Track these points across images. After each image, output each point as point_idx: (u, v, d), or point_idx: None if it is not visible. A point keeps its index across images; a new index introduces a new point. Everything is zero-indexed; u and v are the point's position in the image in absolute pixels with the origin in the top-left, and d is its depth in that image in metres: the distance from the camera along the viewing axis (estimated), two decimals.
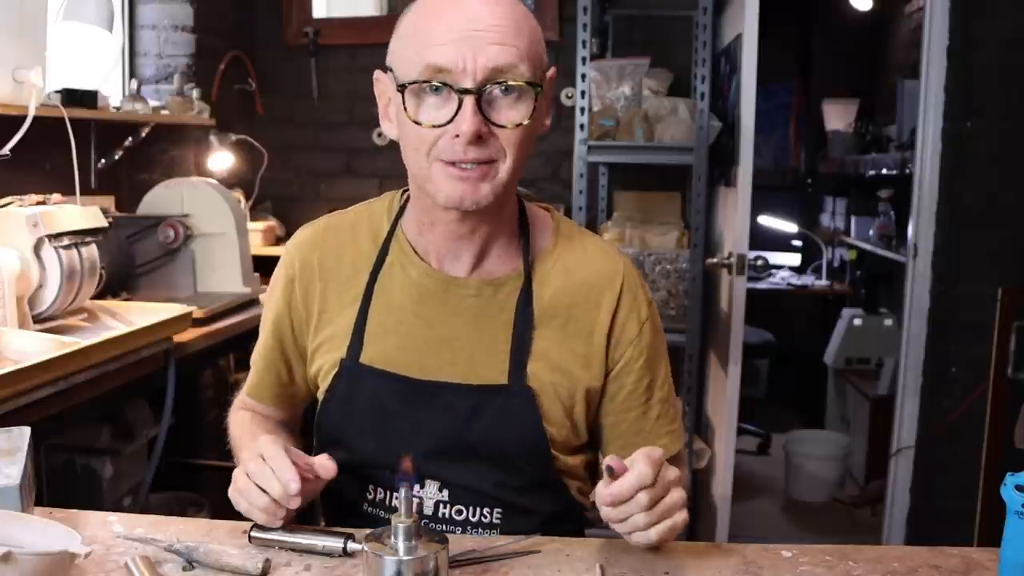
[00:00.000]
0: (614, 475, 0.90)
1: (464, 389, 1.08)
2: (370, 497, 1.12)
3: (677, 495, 0.93)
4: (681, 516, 0.93)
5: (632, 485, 0.89)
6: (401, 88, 0.99)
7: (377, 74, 1.08)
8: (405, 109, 0.99)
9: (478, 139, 0.97)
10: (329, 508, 1.20)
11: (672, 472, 0.93)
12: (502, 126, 0.98)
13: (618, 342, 1.12)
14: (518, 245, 1.12)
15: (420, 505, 1.09)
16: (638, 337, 1.13)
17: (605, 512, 0.91)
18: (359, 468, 1.11)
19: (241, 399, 1.26)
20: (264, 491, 0.94)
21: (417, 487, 1.08)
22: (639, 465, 0.90)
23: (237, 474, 0.98)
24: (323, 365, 1.13)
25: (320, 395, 1.15)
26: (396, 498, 1.07)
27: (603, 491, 0.90)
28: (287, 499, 0.93)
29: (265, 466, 0.95)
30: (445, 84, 0.96)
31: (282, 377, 1.20)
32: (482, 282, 1.10)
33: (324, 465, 0.99)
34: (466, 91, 0.95)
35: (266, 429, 1.20)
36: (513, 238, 1.13)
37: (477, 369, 1.08)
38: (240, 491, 0.97)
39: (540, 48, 1.01)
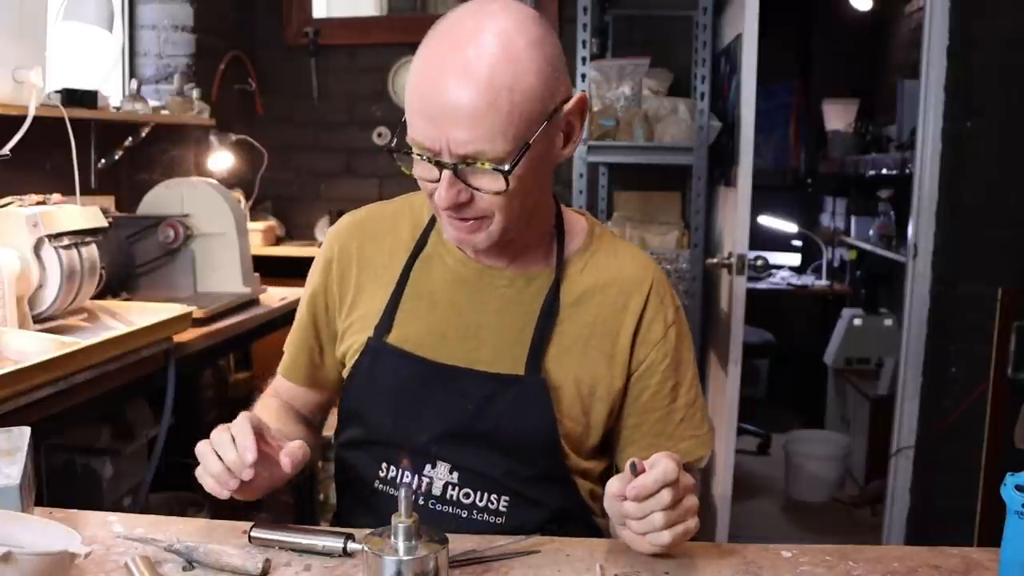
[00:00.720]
0: (636, 472, 0.91)
1: (481, 376, 1.10)
2: (382, 475, 1.14)
3: (693, 500, 0.94)
4: (694, 522, 0.93)
5: (657, 480, 0.90)
6: (388, 152, 1.05)
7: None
8: (402, 165, 1.04)
9: (459, 205, 1.00)
10: (342, 483, 1.22)
11: (689, 478, 0.94)
12: (481, 191, 0.99)
13: (643, 343, 1.14)
14: (552, 246, 1.16)
15: (429, 485, 1.10)
16: (663, 340, 1.15)
17: (626, 507, 0.91)
18: (374, 445, 1.14)
19: (273, 386, 1.29)
20: (220, 458, 0.95)
21: (428, 467, 1.10)
22: (664, 462, 0.91)
23: (201, 442, 0.98)
24: (352, 344, 1.17)
25: (345, 373, 1.18)
26: (408, 477, 1.10)
27: (621, 486, 0.91)
28: (240, 468, 0.93)
29: (226, 434, 0.96)
30: (425, 157, 0.98)
31: (314, 358, 1.23)
32: (516, 274, 1.14)
33: (289, 454, 0.97)
34: (443, 165, 0.97)
35: (287, 420, 1.22)
36: (548, 239, 1.16)
37: (499, 359, 1.11)
38: (199, 455, 0.97)
39: (527, 109, 0.96)
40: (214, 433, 0.97)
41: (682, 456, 1.12)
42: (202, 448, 0.97)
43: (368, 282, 1.18)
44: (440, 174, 0.98)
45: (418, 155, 0.99)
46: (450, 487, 1.10)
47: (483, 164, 0.96)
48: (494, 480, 1.10)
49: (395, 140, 1.06)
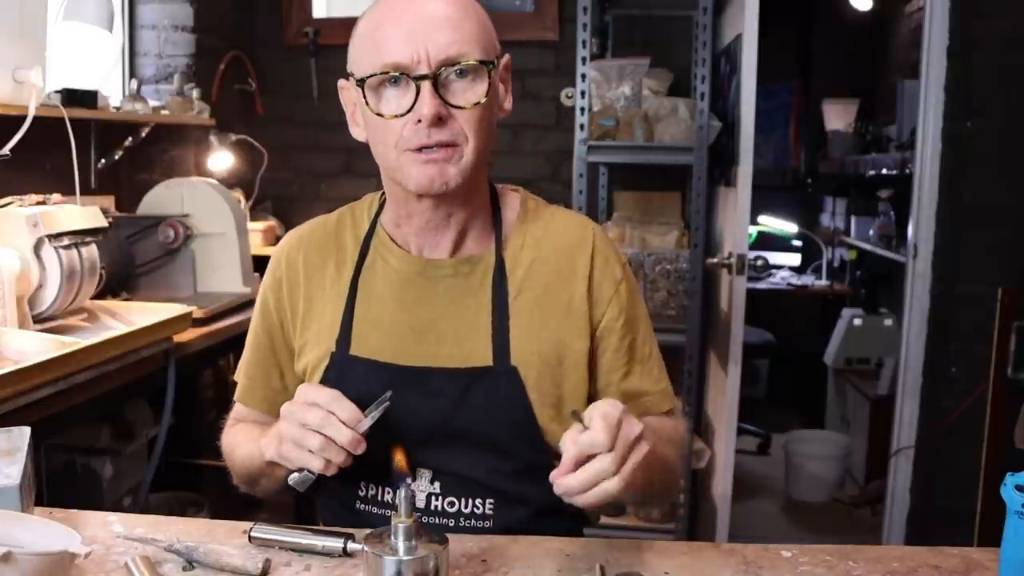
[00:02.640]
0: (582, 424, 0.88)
1: (452, 373, 1.09)
2: (362, 494, 1.12)
3: (633, 430, 0.88)
4: (640, 453, 0.88)
5: (595, 443, 0.85)
6: (360, 83, 1.04)
7: (341, 83, 1.12)
8: (367, 104, 1.04)
9: (439, 121, 1.01)
10: (322, 509, 1.19)
11: (633, 428, 0.88)
12: (460, 107, 1.02)
13: (596, 303, 1.14)
14: (490, 226, 1.16)
15: (412, 498, 1.08)
16: (615, 296, 1.15)
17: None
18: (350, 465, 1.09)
19: (231, 420, 1.24)
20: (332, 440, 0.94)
21: (408, 479, 1.08)
22: (601, 408, 0.88)
23: (289, 430, 0.96)
24: (311, 361, 1.15)
25: None
26: (388, 493, 1.08)
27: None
28: (355, 445, 0.95)
29: (328, 414, 0.95)
30: (402, 75, 1.00)
31: (272, 381, 1.20)
32: (458, 261, 1.13)
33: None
34: (422, 77, 1.00)
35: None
36: (484, 218, 1.16)
37: (462, 351, 1.10)
38: (294, 437, 0.96)
39: (489, 32, 1.06)
40: (299, 413, 0.96)
41: (644, 410, 1.12)
42: (295, 431, 0.96)
43: (317, 295, 1.16)
44: (418, 93, 1.00)
45: (394, 74, 1.00)
46: (433, 498, 1.09)
47: (468, 62, 1.01)
48: (476, 482, 1.09)
49: (355, 81, 1.07)
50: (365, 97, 1.04)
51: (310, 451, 0.95)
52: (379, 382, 1.08)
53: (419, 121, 1.01)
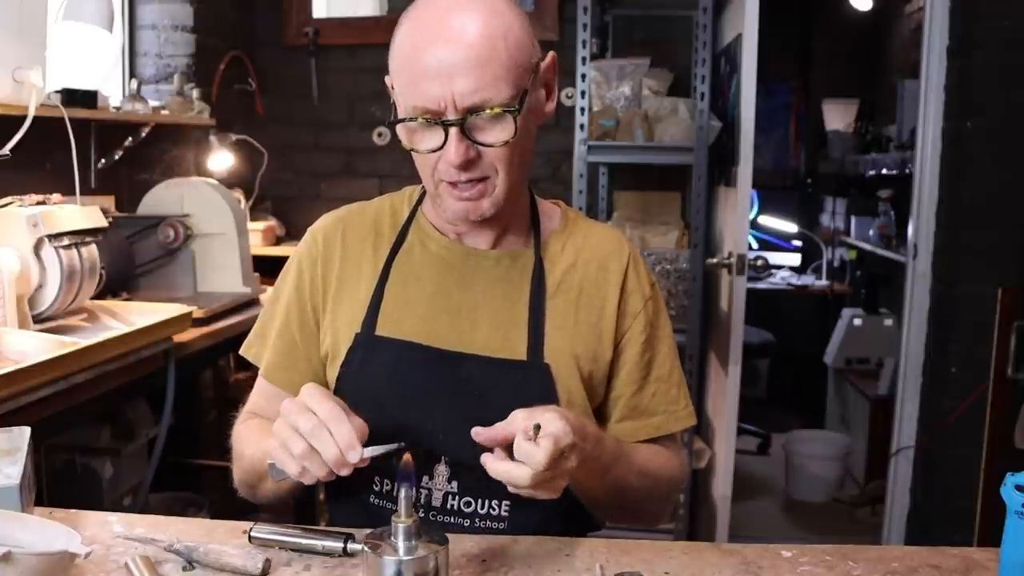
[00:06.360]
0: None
1: (486, 362, 1.09)
2: (376, 489, 1.11)
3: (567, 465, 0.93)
4: (557, 485, 0.93)
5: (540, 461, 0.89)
6: (390, 125, 1.06)
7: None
8: (401, 140, 1.06)
9: (468, 162, 1.03)
10: (332, 501, 1.19)
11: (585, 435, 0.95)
12: (489, 145, 1.03)
13: (624, 315, 1.16)
14: (530, 228, 1.18)
15: (428, 496, 1.08)
16: (642, 312, 1.17)
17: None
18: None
19: (245, 413, 1.22)
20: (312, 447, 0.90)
21: (426, 478, 1.08)
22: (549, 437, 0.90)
23: (280, 428, 0.92)
24: (336, 342, 1.14)
25: (333, 376, 1.14)
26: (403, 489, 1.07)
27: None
28: (340, 465, 0.89)
29: (313, 418, 0.90)
30: (431, 120, 1.01)
31: (299, 362, 1.18)
32: (501, 253, 1.16)
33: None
34: (450, 123, 1.01)
35: None
36: (525, 221, 1.19)
37: (497, 341, 1.11)
38: (280, 435, 0.91)
39: (518, 63, 1.02)
40: (295, 415, 0.91)
41: (655, 431, 1.17)
42: (284, 431, 0.91)
43: (350, 278, 1.16)
44: (446, 136, 1.01)
45: (423, 120, 1.01)
46: (450, 497, 1.08)
47: (492, 109, 1.00)
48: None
49: (392, 116, 1.09)
50: (398, 132, 1.06)
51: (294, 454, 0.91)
52: (411, 363, 1.09)
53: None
